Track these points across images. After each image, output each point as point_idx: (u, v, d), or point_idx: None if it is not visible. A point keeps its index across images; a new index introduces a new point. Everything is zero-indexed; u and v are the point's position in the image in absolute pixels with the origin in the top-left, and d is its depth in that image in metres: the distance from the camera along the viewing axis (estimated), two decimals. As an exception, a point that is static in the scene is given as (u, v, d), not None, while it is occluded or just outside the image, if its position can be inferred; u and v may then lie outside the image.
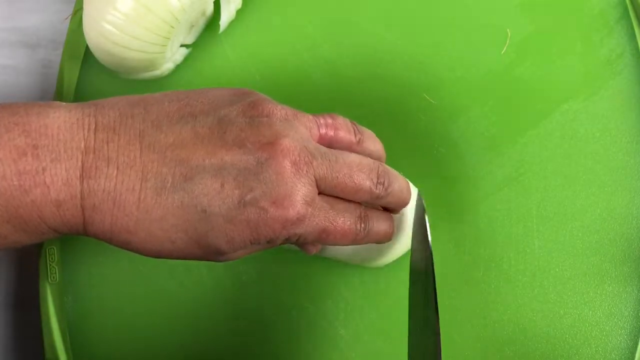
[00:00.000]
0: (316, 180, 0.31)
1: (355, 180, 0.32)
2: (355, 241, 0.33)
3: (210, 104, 0.32)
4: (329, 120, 0.34)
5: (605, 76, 0.44)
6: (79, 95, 0.45)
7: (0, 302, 0.44)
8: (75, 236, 0.33)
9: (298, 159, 0.30)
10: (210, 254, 0.31)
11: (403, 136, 0.44)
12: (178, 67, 0.45)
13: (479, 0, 0.45)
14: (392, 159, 0.43)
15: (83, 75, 0.46)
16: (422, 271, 0.35)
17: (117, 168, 0.30)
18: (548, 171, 0.43)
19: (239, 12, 0.46)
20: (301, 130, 0.32)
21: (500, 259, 0.42)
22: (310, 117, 0.34)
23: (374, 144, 0.36)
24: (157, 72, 0.44)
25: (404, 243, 0.39)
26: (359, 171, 0.32)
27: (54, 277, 0.43)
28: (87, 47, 0.45)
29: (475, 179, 0.43)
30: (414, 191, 0.38)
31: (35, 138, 0.29)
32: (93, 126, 0.30)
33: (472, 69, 0.45)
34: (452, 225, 0.42)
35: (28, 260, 0.45)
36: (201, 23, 0.45)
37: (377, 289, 0.42)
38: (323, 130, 0.34)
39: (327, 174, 0.31)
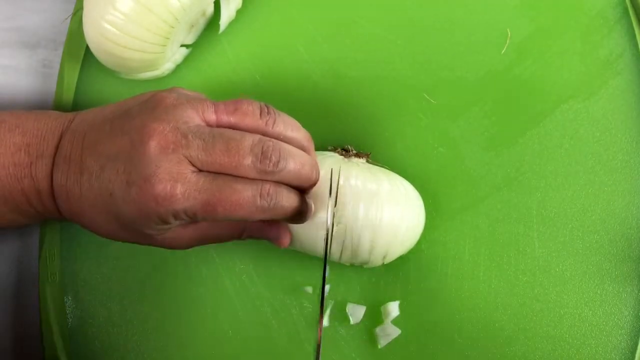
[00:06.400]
0: (189, 159, 0.33)
1: (233, 156, 0.33)
2: (256, 214, 0.34)
3: (129, 103, 0.35)
4: (230, 107, 0.35)
5: (605, 76, 0.44)
6: (79, 95, 0.45)
7: (0, 302, 0.44)
8: (58, 220, 0.40)
9: (165, 139, 0.32)
10: (135, 234, 0.35)
11: (403, 136, 0.44)
12: (178, 67, 0.45)
13: (479, 0, 0.45)
14: (393, 158, 0.43)
15: (83, 75, 0.46)
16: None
17: (69, 164, 0.35)
18: (548, 171, 0.43)
19: (239, 13, 0.46)
20: (185, 115, 0.34)
21: (500, 259, 0.42)
22: (209, 102, 0.35)
23: (292, 130, 0.36)
24: (157, 72, 0.44)
25: (400, 245, 0.39)
26: (238, 146, 0.33)
27: (54, 277, 0.43)
28: (87, 47, 0.45)
29: (475, 179, 0.43)
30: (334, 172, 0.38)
31: (29, 138, 0.36)
32: (65, 130, 0.36)
33: (472, 69, 0.45)
34: (452, 225, 0.42)
35: (28, 260, 0.45)
36: (201, 23, 0.45)
37: (377, 288, 0.42)
38: (221, 116, 0.35)
39: (199, 152, 0.33)
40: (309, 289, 0.42)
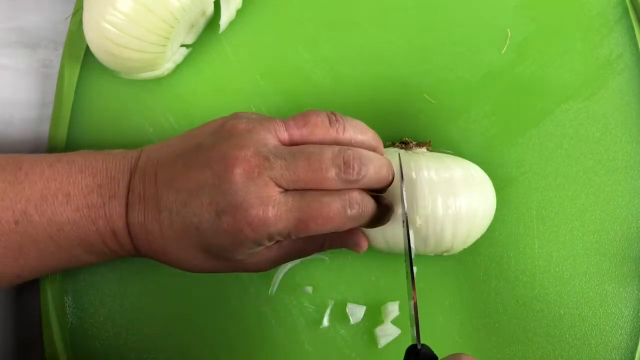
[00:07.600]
0: (274, 180, 0.33)
1: (316, 171, 0.33)
2: (347, 224, 0.34)
3: (197, 137, 0.36)
4: (300, 122, 0.35)
5: (605, 76, 0.44)
6: (79, 95, 0.45)
7: (1, 302, 0.44)
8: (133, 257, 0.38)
9: (248, 165, 0.33)
10: (222, 263, 0.35)
11: (403, 136, 0.44)
12: (178, 67, 0.45)
13: (479, 0, 0.45)
14: (392, 159, 0.43)
15: (83, 75, 0.46)
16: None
17: (145, 203, 0.35)
18: (548, 171, 0.43)
19: (239, 12, 0.46)
20: (262, 138, 0.34)
21: (500, 259, 0.42)
22: (279, 121, 0.35)
23: (362, 133, 0.36)
24: (157, 72, 0.44)
25: (479, 228, 0.39)
26: (320, 161, 0.33)
27: (54, 277, 0.43)
28: (87, 47, 0.45)
29: (475, 179, 0.43)
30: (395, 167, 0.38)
31: (100, 179, 0.36)
32: (134, 169, 0.36)
33: (472, 69, 0.45)
34: (452, 225, 0.42)
35: (28, 260, 0.45)
36: (201, 23, 0.45)
37: (377, 288, 0.42)
38: (293, 131, 0.35)
39: (283, 172, 0.33)
40: (309, 289, 0.42)
